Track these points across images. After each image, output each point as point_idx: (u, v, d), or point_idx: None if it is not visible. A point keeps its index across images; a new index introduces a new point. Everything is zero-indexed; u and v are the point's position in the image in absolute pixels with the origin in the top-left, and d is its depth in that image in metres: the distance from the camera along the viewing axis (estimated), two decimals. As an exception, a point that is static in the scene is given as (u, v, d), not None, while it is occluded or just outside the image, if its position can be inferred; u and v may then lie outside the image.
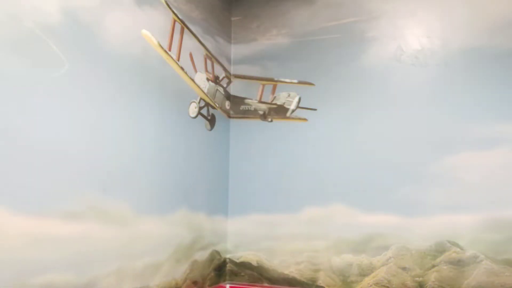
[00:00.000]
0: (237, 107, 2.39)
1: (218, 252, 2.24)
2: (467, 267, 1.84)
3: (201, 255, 2.08)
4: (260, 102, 2.35)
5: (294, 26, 2.32)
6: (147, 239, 1.68)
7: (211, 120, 2.22)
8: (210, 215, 2.17)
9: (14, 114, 1.19)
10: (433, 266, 1.90)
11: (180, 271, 1.90)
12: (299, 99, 2.26)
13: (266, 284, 2.21)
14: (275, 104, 2.31)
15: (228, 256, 2.32)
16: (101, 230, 1.46)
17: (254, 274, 2.24)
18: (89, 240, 1.41)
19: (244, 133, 2.37)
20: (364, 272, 2.02)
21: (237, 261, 2.29)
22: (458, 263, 1.86)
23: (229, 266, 2.30)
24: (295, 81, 2.28)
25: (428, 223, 1.92)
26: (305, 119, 2.24)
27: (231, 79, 2.41)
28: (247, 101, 2.38)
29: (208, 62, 2.19)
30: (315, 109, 2.22)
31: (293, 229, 2.17)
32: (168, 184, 1.84)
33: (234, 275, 2.29)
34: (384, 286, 1.96)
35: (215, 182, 2.25)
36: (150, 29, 1.75)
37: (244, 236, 2.29)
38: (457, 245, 1.88)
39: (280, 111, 2.30)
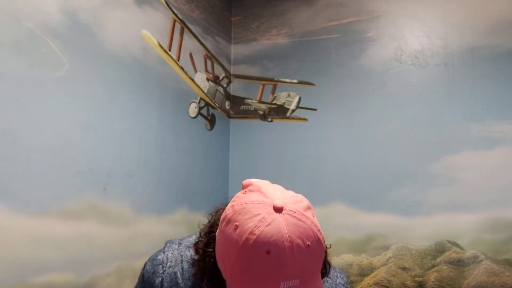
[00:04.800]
0: (237, 107, 2.39)
1: (218, 252, 2.23)
2: (467, 267, 1.84)
3: (201, 255, 2.07)
4: (260, 102, 2.35)
5: (294, 26, 2.32)
6: (147, 239, 1.68)
7: (211, 120, 2.22)
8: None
9: (14, 114, 1.19)
10: (433, 266, 1.90)
11: (180, 271, 1.89)
12: (299, 99, 2.26)
13: (266, 284, 2.21)
14: (275, 104, 2.31)
15: (228, 256, 2.31)
16: (101, 230, 1.46)
17: (254, 274, 2.24)
18: (89, 240, 1.41)
19: (244, 133, 2.37)
20: (364, 272, 2.02)
21: (237, 261, 2.29)
22: (458, 263, 1.86)
23: (229, 266, 2.30)
24: (295, 81, 2.28)
25: (428, 223, 1.92)
26: (305, 119, 2.24)
27: (231, 79, 2.42)
28: (247, 101, 2.38)
29: (208, 62, 2.19)
30: (315, 109, 2.22)
31: (293, 229, 2.16)
32: (168, 184, 1.84)
33: (234, 275, 2.28)
34: (384, 286, 1.96)
35: (215, 182, 2.25)
36: (150, 29, 1.75)
37: (244, 236, 2.29)
38: (457, 245, 1.88)
39: (280, 111, 2.30)
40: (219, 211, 0.77)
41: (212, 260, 0.71)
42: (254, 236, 0.60)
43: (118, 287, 1.52)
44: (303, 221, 0.64)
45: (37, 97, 1.25)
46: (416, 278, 1.92)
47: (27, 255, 1.20)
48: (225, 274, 0.66)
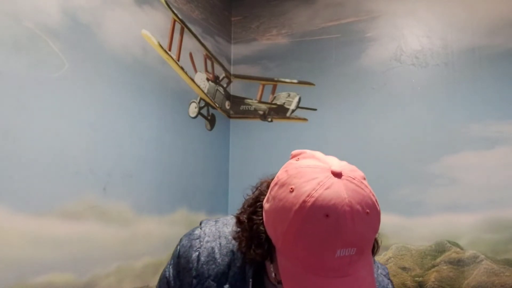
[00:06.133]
0: (237, 107, 2.39)
1: (218, 252, 2.23)
2: (467, 267, 1.84)
3: (201, 255, 2.07)
4: (260, 102, 2.35)
5: (294, 26, 2.32)
6: (147, 239, 1.68)
7: (211, 120, 2.22)
8: (210, 215, 2.17)
9: (14, 114, 1.19)
10: (433, 266, 1.90)
11: (180, 271, 1.89)
12: (299, 99, 2.26)
13: (266, 284, 2.21)
14: (275, 104, 2.31)
15: (228, 256, 2.31)
16: (101, 230, 1.46)
17: (254, 274, 2.23)
18: (89, 240, 1.41)
19: (244, 133, 2.37)
20: (364, 272, 2.01)
21: (237, 261, 2.29)
22: (458, 263, 1.86)
23: (229, 266, 2.30)
24: (295, 81, 2.28)
25: (428, 223, 1.92)
26: (305, 119, 2.24)
27: (231, 79, 2.42)
28: (247, 101, 2.38)
29: (208, 62, 2.19)
30: (315, 109, 2.22)
31: (293, 229, 2.16)
32: (168, 184, 1.84)
33: (234, 275, 2.28)
34: (384, 286, 1.95)
35: (215, 182, 2.25)
36: (150, 29, 1.75)
37: (244, 236, 2.28)
38: (457, 245, 1.88)
39: (280, 111, 2.30)
40: (263, 183, 0.74)
41: (260, 228, 0.67)
42: (313, 199, 0.57)
43: (118, 287, 1.52)
44: (362, 188, 0.60)
45: (37, 97, 1.25)
46: (416, 278, 1.92)
47: (27, 255, 1.20)
48: (275, 240, 0.63)
